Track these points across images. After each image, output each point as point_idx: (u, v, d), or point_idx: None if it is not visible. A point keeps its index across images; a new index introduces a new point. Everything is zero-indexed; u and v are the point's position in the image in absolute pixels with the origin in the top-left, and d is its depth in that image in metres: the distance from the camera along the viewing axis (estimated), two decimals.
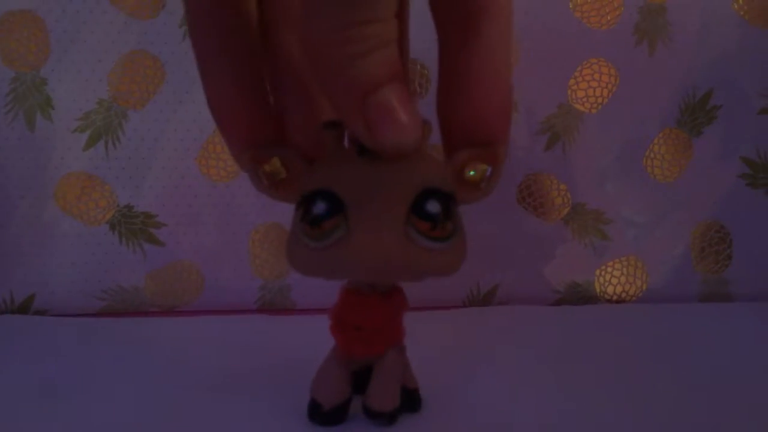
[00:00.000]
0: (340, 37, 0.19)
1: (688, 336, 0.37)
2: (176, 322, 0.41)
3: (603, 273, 0.45)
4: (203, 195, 0.42)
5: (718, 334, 0.37)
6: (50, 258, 0.42)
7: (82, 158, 0.41)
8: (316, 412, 0.26)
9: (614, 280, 0.45)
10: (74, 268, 0.42)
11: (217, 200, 0.42)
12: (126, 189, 0.42)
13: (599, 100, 0.44)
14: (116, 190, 0.42)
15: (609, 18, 0.44)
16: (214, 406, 0.28)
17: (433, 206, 0.22)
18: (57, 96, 0.41)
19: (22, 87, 0.41)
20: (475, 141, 0.23)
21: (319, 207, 0.22)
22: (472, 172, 0.23)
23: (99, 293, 0.42)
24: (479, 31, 0.22)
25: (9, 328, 0.39)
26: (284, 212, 0.42)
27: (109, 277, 0.42)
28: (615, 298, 0.45)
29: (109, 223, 0.42)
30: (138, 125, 0.42)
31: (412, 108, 0.20)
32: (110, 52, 0.41)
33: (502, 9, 0.22)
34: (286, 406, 0.27)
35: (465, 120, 0.23)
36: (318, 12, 0.19)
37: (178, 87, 0.42)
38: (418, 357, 0.27)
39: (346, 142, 0.24)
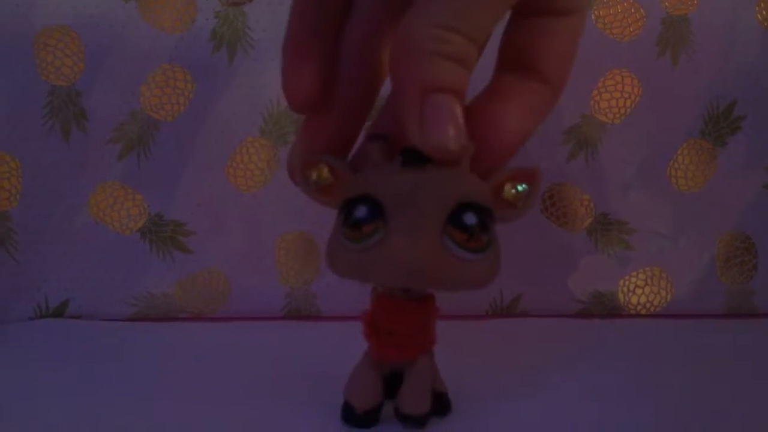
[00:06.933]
0: (430, 33, 0.20)
1: (710, 352, 0.37)
2: (204, 327, 0.41)
3: (627, 283, 0.45)
4: (231, 204, 0.43)
5: (742, 350, 0.37)
6: (83, 265, 0.43)
7: (115, 168, 0.43)
8: (349, 414, 0.26)
9: (638, 290, 0.45)
10: (106, 275, 0.43)
11: (244, 209, 0.43)
12: (156, 198, 0.43)
13: (622, 110, 0.44)
14: (147, 199, 0.43)
15: (631, 29, 0.44)
16: (243, 410, 0.28)
17: (469, 218, 0.23)
18: (91, 108, 0.42)
19: (58, 99, 0.42)
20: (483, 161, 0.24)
21: (361, 211, 0.23)
22: (511, 191, 0.24)
23: (130, 299, 0.43)
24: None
25: (43, 332, 0.40)
26: (310, 221, 0.43)
27: (139, 284, 0.43)
28: (639, 308, 0.45)
29: (140, 232, 0.43)
30: (169, 136, 0.43)
31: (461, 124, 0.22)
32: (142, 65, 0.42)
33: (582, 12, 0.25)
34: (315, 410, 0.28)
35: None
36: (426, 5, 0.21)
37: (207, 99, 0.43)
38: (442, 366, 0.28)
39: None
